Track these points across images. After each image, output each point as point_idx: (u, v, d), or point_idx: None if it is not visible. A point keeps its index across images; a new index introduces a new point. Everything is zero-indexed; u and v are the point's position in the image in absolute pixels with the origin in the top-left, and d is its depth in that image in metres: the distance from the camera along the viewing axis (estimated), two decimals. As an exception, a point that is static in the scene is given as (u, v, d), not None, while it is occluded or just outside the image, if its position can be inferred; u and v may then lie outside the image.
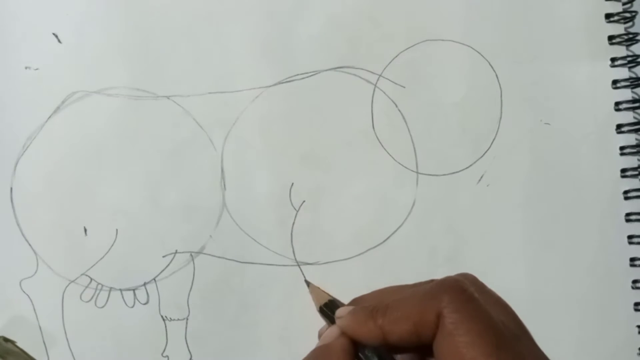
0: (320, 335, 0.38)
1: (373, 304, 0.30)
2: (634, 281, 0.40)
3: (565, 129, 0.41)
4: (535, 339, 0.27)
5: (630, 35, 0.40)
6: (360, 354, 0.31)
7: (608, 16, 0.41)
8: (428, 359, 0.31)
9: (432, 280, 0.30)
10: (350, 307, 0.32)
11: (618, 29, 0.41)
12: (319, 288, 0.39)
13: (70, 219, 0.40)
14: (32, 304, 0.40)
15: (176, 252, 0.40)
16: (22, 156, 0.40)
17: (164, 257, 0.40)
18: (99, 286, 0.40)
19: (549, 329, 0.40)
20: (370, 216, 0.41)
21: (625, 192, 0.40)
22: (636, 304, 0.40)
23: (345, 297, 0.40)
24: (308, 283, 0.39)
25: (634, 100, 0.40)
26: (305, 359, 0.31)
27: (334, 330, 0.32)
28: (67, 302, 0.40)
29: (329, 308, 0.35)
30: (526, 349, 0.26)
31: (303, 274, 0.40)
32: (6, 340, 0.39)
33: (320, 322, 0.39)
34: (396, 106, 0.41)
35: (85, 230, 0.40)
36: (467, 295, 0.27)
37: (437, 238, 0.41)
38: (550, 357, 0.39)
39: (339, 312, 0.33)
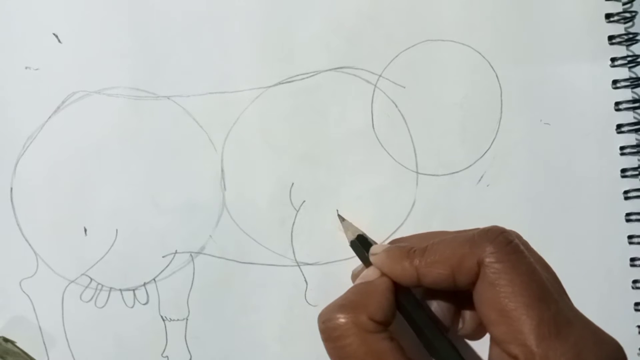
0: (353, 275, 0.37)
1: (409, 245, 0.30)
2: (634, 281, 0.40)
3: (565, 129, 0.41)
4: None
5: (630, 35, 0.40)
6: (400, 299, 0.30)
7: (608, 16, 0.41)
8: (464, 307, 0.30)
9: (476, 229, 0.29)
10: (386, 245, 0.32)
11: (618, 29, 0.41)
12: (351, 223, 0.38)
13: (70, 219, 0.40)
14: (32, 304, 0.40)
15: (176, 252, 0.40)
16: (23, 156, 0.40)
17: (163, 257, 0.40)
18: (99, 286, 0.40)
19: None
20: (370, 216, 0.41)
21: (625, 192, 0.40)
22: (636, 304, 0.40)
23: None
24: (341, 218, 0.38)
25: (634, 100, 0.40)
26: (346, 293, 0.30)
27: (373, 270, 0.31)
28: (67, 302, 0.40)
29: (361, 242, 0.35)
30: (567, 306, 0.26)
31: (338, 214, 0.40)
32: (6, 340, 0.39)
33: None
34: (396, 106, 0.41)
35: (85, 230, 0.40)
36: (512, 246, 0.26)
37: (437, 238, 0.41)
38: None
39: (374, 249, 0.32)
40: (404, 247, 0.30)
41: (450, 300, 0.31)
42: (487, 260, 0.26)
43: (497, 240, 0.26)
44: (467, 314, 0.31)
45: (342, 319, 0.27)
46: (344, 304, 0.29)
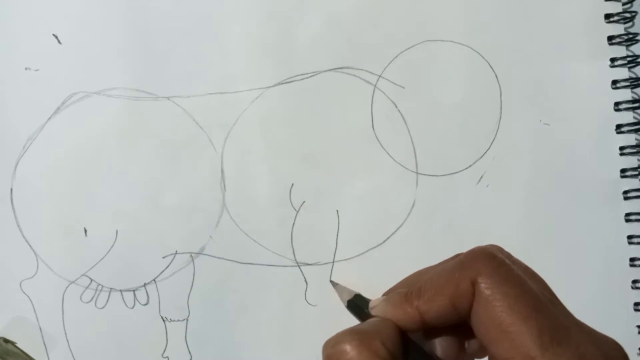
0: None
1: (405, 289, 0.29)
2: (634, 281, 0.40)
3: (565, 129, 0.41)
4: None
5: (630, 36, 0.40)
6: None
7: (608, 16, 0.41)
8: (465, 338, 0.30)
9: (457, 255, 0.29)
10: (381, 298, 0.31)
11: (618, 29, 0.41)
12: (343, 286, 0.37)
13: (70, 219, 0.40)
14: (32, 305, 0.40)
15: (176, 252, 0.40)
16: (23, 157, 0.40)
17: (164, 257, 0.40)
18: (99, 287, 0.40)
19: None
20: (370, 216, 0.41)
21: (625, 192, 0.40)
22: (636, 304, 0.40)
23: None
24: (334, 284, 0.38)
25: (633, 101, 0.40)
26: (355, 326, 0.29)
27: (375, 318, 0.30)
28: (67, 303, 0.40)
29: (357, 302, 0.34)
30: (561, 313, 0.26)
31: (331, 276, 0.40)
32: (6, 341, 0.39)
33: (318, 322, 0.40)
34: (396, 107, 0.41)
35: (86, 231, 0.40)
36: (498, 260, 0.26)
37: (437, 238, 0.41)
38: None
39: (373, 302, 0.31)
40: (401, 292, 0.29)
41: (451, 335, 0.31)
42: (480, 278, 0.26)
43: (483, 258, 0.27)
44: (469, 344, 0.31)
45: (354, 342, 0.27)
46: (355, 329, 0.28)
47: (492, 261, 0.26)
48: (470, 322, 0.27)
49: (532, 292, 0.26)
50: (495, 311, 0.25)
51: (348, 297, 0.34)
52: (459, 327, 0.29)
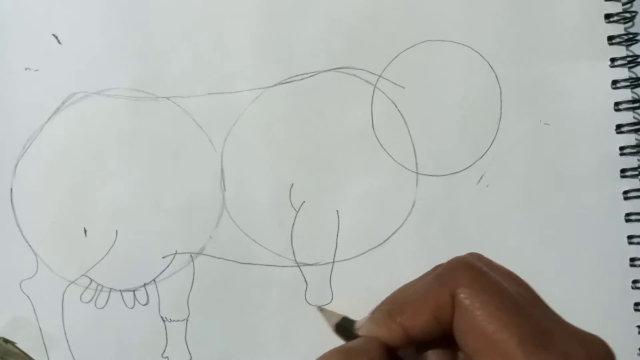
0: None
1: (387, 307, 0.30)
2: (634, 281, 0.40)
3: (565, 129, 0.41)
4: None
5: (630, 36, 0.40)
6: None
7: (608, 16, 0.41)
8: (460, 353, 0.30)
9: (437, 267, 0.30)
10: (366, 318, 0.31)
11: (618, 29, 0.41)
12: (330, 310, 0.37)
13: (70, 219, 0.40)
14: (32, 305, 0.40)
15: (176, 252, 0.40)
16: (23, 157, 0.40)
17: (163, 258, 0.40)
18: (99, 287, 0.40)
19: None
20: (370, 217, 0.41)
21: (625, 192, 0.40)
22: (636, 304, 0.40)
23: (346, 298, 0.41)
24: (321, 309, 0.38)
25: (633, 101, 0.40)
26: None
27: (362, 340, 0.30)
28: (67, 303, 0.40)
29: (344, 324, 0.34)
30: (543, 316, 0.26)
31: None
32: (6, 341, 0.39)
33: (318, 323, 0.39)
34: (396, 107, 0.41)
35: (85, 231, 0.40)
36: (476, 270, 0.26)
37: (437, 239, 0.41)
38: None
39: (359, 323, 0.32)
40: (384, 310, 0.30)
41: (442, 348, 0.31)
42: (458, 289, 0.26)
43: (461, 269, 0.27)
44: (461, 354, 0.31)
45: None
46: (342, 348, 0.29)
47: (469, 271, 0.26)
48: (453, 333, 0.27)
49: (512, 298, 0.25)
50: (476, 320, 0.25)
51: (335, 320, 0.34)
52: (450, 338, 0.29)
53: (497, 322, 0.25)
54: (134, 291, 0.40)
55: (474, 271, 0.26)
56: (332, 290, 0.40)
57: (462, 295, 0.26)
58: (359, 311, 0.40)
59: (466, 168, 0.41)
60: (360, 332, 0.31)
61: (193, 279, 0.40)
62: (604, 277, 0.40)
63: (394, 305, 0.29)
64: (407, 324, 0.28)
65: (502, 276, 0.27)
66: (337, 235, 0.41)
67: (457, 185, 0.41)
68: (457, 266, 0.27)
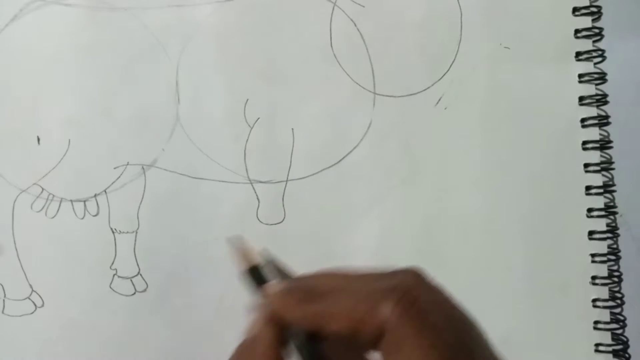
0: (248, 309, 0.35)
1: (311, 286, 0.27)
2: (589, 210, 0.40)
3: (525, 53, 0.40)
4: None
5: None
6: (290, 341, 0.27)
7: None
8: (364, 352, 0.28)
9: (385, 274, 0.27)
10: (282, 285, 0.28)
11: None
12: (246, 248, 0.30)
13: (23, 127, 0.40)
14: (-19, 210, 0.40)
15: (128, 164, 0.40)
16: (-24, 62, 0.40)
17: (115, 168, 0.40)
18: (50, 196, 0.40)
19: (502, 253, 0.40)
20: (325, 135, 0.40)
21: (583, 119, 0.40)
22: (590, 232, 0.40)
23: (299, 218, 0.40)
24: (234, 242, 0.30)
25: (594, 34, 0.40)
26: (231, 358, 0.28)
27: (259, 319, 0.28)
28: (17, 212, 0.40)
29: (255, 275, 0.29)
30: (479, 356, 0.26)
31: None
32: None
33: (271, 241, 0.39)
34: (355, 25, 0.40)
35: (39, 139, 0.40)
36: (416, 308, 0.25)
37: (393, 160, 0.40)
38: (503, 282, 0.39)
39: (268, 289, 0.28)
40: (303, 289, 0.27)
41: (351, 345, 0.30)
42: (392, 320, 0.24)
43: (401, 302, 0.25)
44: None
45: None
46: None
47: (409, 308, 0.25)
48: (378, 351, 0.26)
49: (446, 345, 0.24)
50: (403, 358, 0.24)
51: (246, 265, 0.29)
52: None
53: None
54: (84, 201, 0.40)
55: (414, 309, 0.25)
56: (284, 209, 0.40)
57: (395, 332, 0.24)
58: (311, 231, 0.40)
59: (424, 89, 0.40)
60: (266, 303, 0.28)
61: (144, 191, 0.40)
62: (559, 202, 0.40)
63: (317, 290, 0.27)
64: (323, 320, 0.26)
65: (445, 309, 0.26)
66: (292, 154, 0.40)
67: (415, 107, 0.40)
68: (398, 296, 0.25)
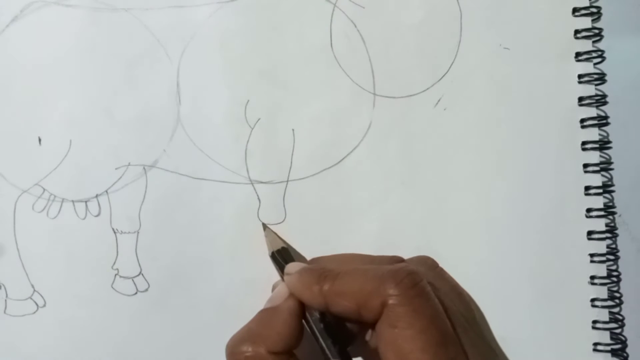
0: (273, 288, 0.37)
1: (323, 268, 0.30)
2: (588, 210, 0.40)
3: (525, 54, 0.40)
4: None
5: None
6: (307, 316, 0.30)
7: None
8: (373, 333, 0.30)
9: (393, 258, 0.30)
10: (301, 266, 0.32)
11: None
12: (275, 233, 0.38)
13: (25, 128, 0.40)
14: (-17, 211, 0.40)
15: (129, 164, 0.40)
16: (-22, 63, 0.40)
17: (116, 169, 0.40)
18: (52, 197, 0.40)
19: (501, 253, 0.40)
20: (325, 136, 0.40)
21: (582, 120, 0.40)
22: (589, 232, 0.40)
23: (300, 218, 0.40)
24: (265, 226, 0.38)
25: (594, 35, 0.40)
26: (251, 321, 0.31)
27: (282, 291, 0.31)
28: (19, 212, 0.40)
29: (281, 256, 0.34)
30: (470, 343, 0.26)
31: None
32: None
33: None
34: (355, 26, 0.41)
35: (40, 139, 0.40)
36: (417, 289, 0.26)
37: (393, 161, 0.40)
38: (503, 282, 0.39)
39: (289, 268, 0.32)
40: (316, 270, 0.30)
41: (361, 327, 0.31)
42: (390, 302, 0.26)
43: (402, 283, 0.26)
44: (371, 337, 0.31)
45: (243, 352, 0.29)
46: (245, 337, 0.30)
47: (409, 289, 0.26)
48: (375, 331, 0.27)
49: (440, 326, 0.25)
50: (397, 337, 0.25)
51: (273, 248, 0.34)
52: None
53: (416, 345, 0.25)
54: (86, 202, 0.40)
55: (413, 291, 0.26)
56: (285, 209, 0.40)
57: (391, 311, 0.26)
58: (312, 231, 0.40)
59: (424, 90, 0.40)
60: (285, 281, 0.31)
61: (145, 191, 0.40)
62: (559, 204, 0.40)
63: (326, 272, 0.29)
64: (330, 299, 0.28)
65: (449, 288, 0.27)
66: (292, 154, 0.40)
67: (414, 108, 0.40)
68: (400, 277, 0.26)
